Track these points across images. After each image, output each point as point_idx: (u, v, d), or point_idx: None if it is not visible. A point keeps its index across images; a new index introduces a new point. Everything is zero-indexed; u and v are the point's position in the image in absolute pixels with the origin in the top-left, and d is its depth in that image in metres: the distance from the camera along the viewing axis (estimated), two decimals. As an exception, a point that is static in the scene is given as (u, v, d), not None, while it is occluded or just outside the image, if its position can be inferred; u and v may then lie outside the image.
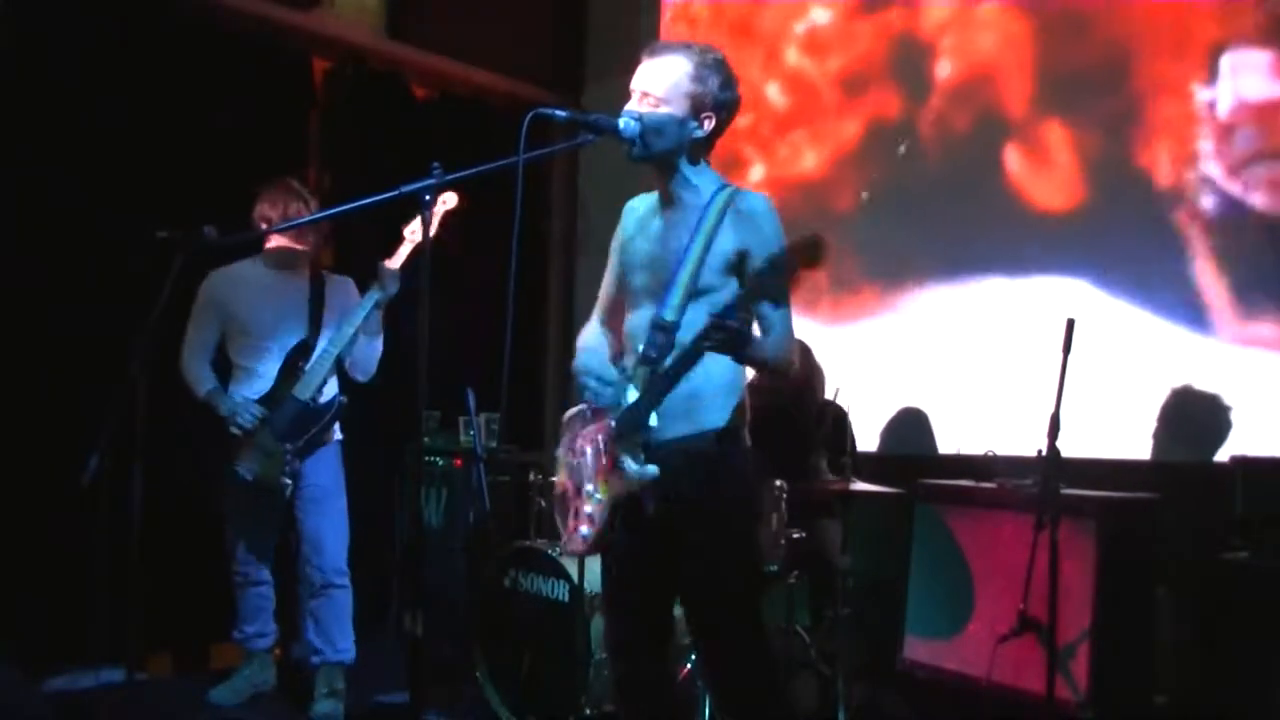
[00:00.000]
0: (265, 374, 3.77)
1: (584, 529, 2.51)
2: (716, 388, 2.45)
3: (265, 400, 3.73)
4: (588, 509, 2.50)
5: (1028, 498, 3.43)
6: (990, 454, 3.98)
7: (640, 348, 2.46)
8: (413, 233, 3.60)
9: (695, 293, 2.42)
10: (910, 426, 4.54)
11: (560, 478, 2.61)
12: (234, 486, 3.71)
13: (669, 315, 2.42)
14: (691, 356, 2.34)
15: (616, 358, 2.64)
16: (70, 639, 3.95)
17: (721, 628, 2.50)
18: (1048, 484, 3.19)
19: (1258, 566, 3.17)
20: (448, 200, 3.42)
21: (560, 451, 2.61)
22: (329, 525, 3.80)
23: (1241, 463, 3.35)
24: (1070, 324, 3.22)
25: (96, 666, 3.90)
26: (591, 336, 2.72)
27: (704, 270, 2.42)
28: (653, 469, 2.36)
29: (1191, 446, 3.84)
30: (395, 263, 3.64)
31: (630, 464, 2.38)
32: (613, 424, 2.44)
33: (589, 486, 2.50)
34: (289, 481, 3.70)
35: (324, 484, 3.80)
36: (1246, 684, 3.12)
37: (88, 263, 4.05)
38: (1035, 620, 3.24)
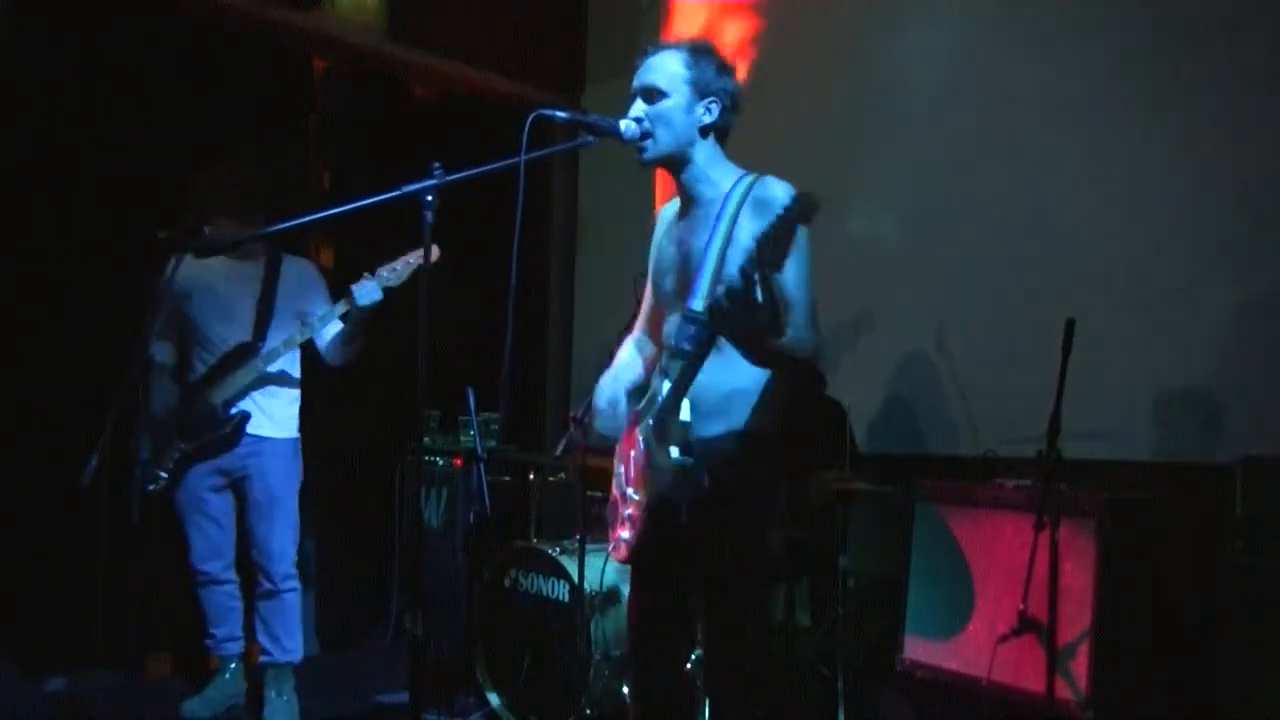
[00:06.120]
0: (201, 367, 3.68)
1: (625, 533, 2.50)
2: (755, 385, 2.43)
3: (186, 390, 3.64)
4: (628, 512, 2.49)
5: (1028, 498, 3.43)
6: (990, 454, 3.98)
7: (674, 343, 2.43)
8: (417, 258, 3.33)
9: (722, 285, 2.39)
10: (909, 425, 4.53)
11: (612, 488, 2.60)
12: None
13: (698, 306, 2.39)
14: (709, 341, 2.32)
15: (653, 365, 2.62)
16: (70, 639, 3.95)
17: (729, 626, 2.50)
18: (1048, 484, 3.19)
19: (1258, 566, 3.17)
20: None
21: (615, 462, 2.61)
22: (275, 531, 3.66)
23: (1242, 463, 3.35)
24: (1070, 324, 3.22)
25: (96, 666, 3.91)
26: (625, 356, 2.72)
27: (727, 263, 2.37)
28: (689, 459, 2.31)
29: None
30: (385, 279, 3.49)
31: (668, 456, 2.33)
32: (650, 422, 2.41)
33: (629, 490, 2.48)
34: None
35: (271, 486, 3.66)
36: (1246, 684, 3.12)
37: (87, 263, 4.05)
38: (1035, 620, 3.24)
